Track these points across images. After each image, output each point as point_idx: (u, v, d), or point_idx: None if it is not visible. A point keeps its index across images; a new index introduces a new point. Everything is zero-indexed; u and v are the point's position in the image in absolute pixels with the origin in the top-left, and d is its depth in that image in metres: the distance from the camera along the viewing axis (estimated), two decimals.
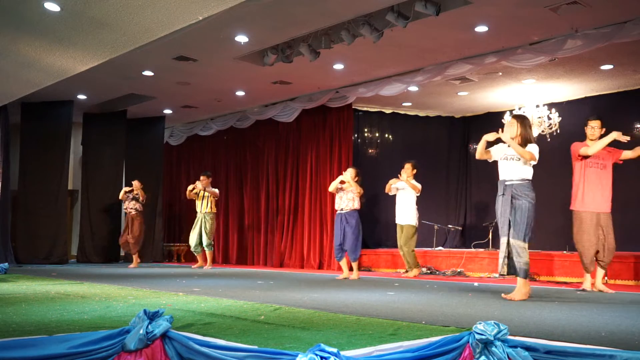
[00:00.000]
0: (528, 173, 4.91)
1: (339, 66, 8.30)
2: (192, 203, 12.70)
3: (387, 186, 8.24)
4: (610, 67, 7.92)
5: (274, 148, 11.13)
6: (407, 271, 8.12)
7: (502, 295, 4.88)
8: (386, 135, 10.98)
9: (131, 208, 10.25)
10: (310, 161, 10.31)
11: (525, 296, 4.78)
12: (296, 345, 2.52)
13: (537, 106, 9.10)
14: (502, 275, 4.89)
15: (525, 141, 4.90)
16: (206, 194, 9.79)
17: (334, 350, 1.95)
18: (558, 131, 8.97)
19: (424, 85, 8.89)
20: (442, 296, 5.00)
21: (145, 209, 11.70)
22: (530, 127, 5.00)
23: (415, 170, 8.08)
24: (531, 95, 9.21)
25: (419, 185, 8.01)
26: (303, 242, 10.26)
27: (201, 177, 9.82)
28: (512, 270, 4.82)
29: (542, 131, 9.05)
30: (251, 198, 11.48)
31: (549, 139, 9.11)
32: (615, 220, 5.77)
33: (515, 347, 2.08)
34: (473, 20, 6.52)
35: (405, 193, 8.13)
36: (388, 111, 10.78)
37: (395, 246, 8.34)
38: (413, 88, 8.93)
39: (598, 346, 2.40)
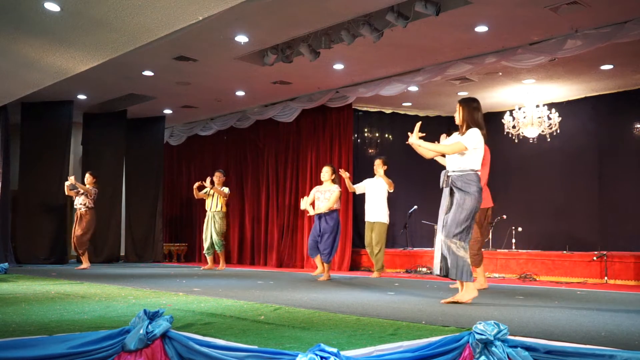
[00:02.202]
0: (469, 162, 4.37)
1: (339, 66, 8.30)
2: (192, 203, 12.80)
3: (349, 188, 7.69)
4: (610, 67, 7.92)
5: (274, 148, 11.12)
6: (374, 271, 7.89)
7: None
8: (386, 135, 10.98)
9: (80, 204, 9.37)
10: (310, 161, 10.30)
11: (470, 298, 4.36)
12: (296, 345, 2.52)
13: (537, 106, 9.10)
14: (437, 274, 4.39)
15: (469, 126, 4.46)
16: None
17: (334, 350, 1.95)
18: (558, 131, 8.97)
19: (424, 85, 8.89)
20: (442, 296, 5.00)
21: (144, 208, 11.73)
22: (477, 109, 4.53)
23: (386, 167, 7.76)
24: (531, 95, 9.21)
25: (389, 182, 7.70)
26: (303, 242, 10.25)
27: (216, 174, 9.35)
28: (444, 271, 4.31)
29: (542, 131, 9.05)
30: (251, 198, 11.48)
31: (549, 139, 9.13)
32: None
33: (515, 347, 2.08)
34: (473, 20, 6.52)
35: (376, 190, 7.80)
36: (388, 111, 10.78)
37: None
38: (413, 88, 8.93)
39: (598, 346, 2.40)
